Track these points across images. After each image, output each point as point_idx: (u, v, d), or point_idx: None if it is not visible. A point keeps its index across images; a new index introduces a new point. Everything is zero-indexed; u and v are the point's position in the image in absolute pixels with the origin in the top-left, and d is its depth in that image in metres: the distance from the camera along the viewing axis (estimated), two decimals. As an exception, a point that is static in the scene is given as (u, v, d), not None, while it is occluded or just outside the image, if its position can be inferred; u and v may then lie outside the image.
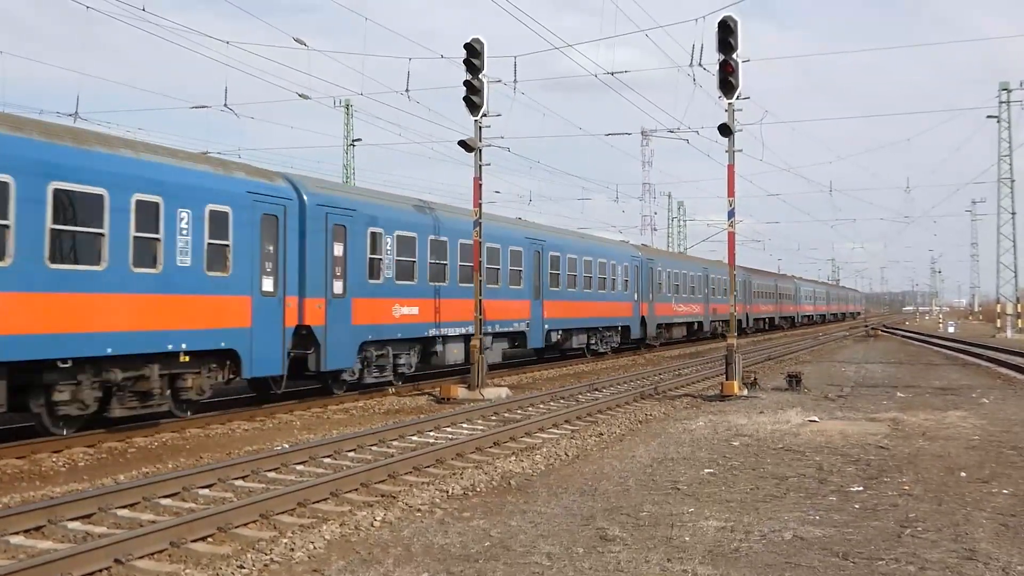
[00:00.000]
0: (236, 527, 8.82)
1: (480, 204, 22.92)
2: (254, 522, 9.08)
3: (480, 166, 22.78)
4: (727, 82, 20.69)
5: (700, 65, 23.13)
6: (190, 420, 16.18)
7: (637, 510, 9.51)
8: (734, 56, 20.51)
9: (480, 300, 22.76)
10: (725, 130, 21.16)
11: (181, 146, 16.55)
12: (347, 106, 59.06)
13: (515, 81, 24.58)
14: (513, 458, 12.74)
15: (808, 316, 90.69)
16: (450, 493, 10.39)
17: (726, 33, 20.40)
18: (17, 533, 8.58)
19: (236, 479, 11.29)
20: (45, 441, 13.62)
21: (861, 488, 10.60)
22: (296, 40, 25.27)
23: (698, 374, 27.60)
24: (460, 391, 21.08)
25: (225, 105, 28.43)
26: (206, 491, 10.70)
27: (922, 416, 17.08)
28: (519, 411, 18.45)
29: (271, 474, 11.71)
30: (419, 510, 9.57)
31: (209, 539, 8.50)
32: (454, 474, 11.54)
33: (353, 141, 60.56)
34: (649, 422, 16.75)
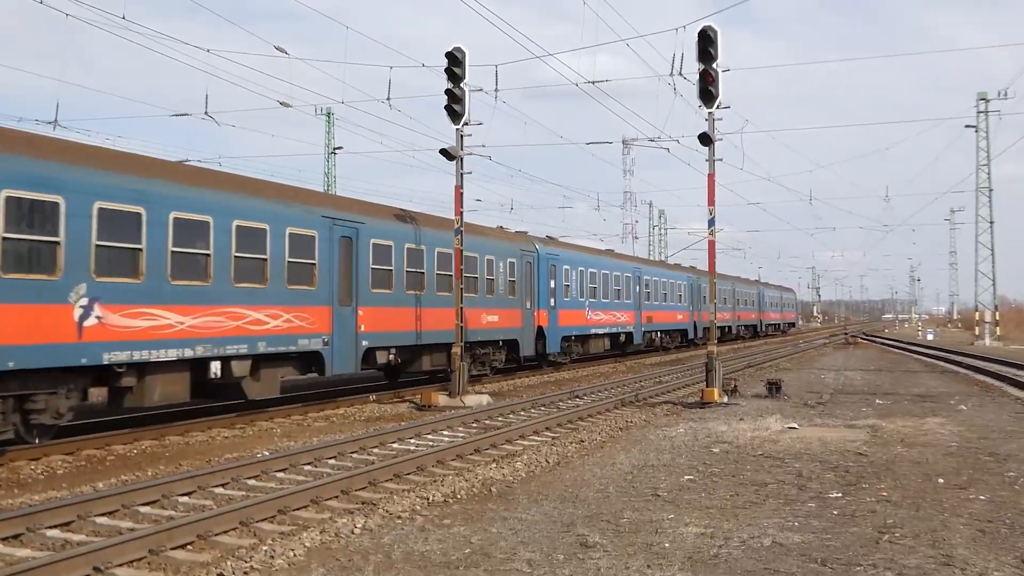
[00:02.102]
0: (216, 534, 8.78)
1: (461, 212, 22.94)
2: (234, 529, 9.05)
3: (461, 174, 22.81)
4: (707, 92, 20.78)
5: (681, 75, 23.31)
6: (169, 427, 16.17)
7: (617, 517, 9.54)
8: (714, 66, 20.60)
9: (461, 309, 22.77)
10: (705, 139, 21.26)
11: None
12: (328, 114, 59.06)
13: (496, 90, 24.66)
14: (494, 465, 12.75)
15: (622, 333, 40.04)
16: (431, 500, 10.40)
17: (706, 43, 20.49)
18: (-5, 541, 8.53)
19: (216, 486, 11.25)
20: (23, 449, 13.53)
21: (840, 494, 10.67)
22: (277, 48, 25.25)
23: (679, 381, 27.67)
24: (441, 398, 21.07)
25: (206, 113, 28.40)
26: (186, 499, 10.66)
27: (900, 423, 17.20)
28: (500, 418, 18.45)
29: (251, 481, 11.67)
30: (400, 517, 9.57)
31: (189, 547, 8.46)
32: (435, 481, 11.55)
33: (334, 149, 60.54)
34: (630, 429, 16.79)
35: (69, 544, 8.57)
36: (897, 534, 8.76)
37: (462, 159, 22.71)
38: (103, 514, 9.69)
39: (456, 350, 22.25)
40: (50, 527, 9.06)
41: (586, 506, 10.09)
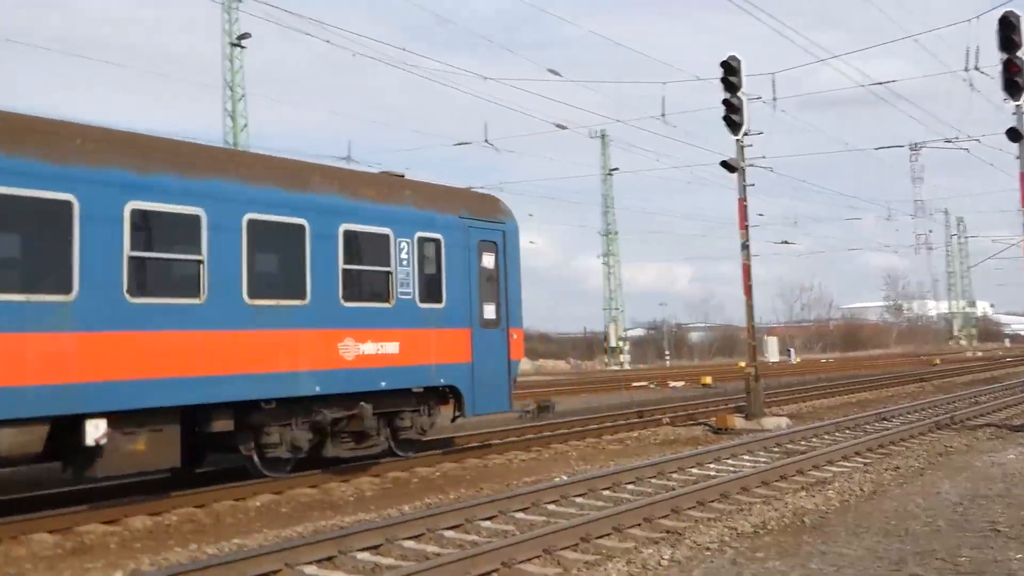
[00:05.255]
0: (519, 563, 8.59)
1: (747, 226, 22.06)
2: (538, 557, 8.84)
3: (744, 187, 21.98)
4: (1012, 83, 18.96)
5: (976, 68, 21.43)
6: (469, 451, 16.48)
7: (954, 555, 8.52)
8: (1019, 54, 18.79)
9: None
10: (1014, 135, 19.31)
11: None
12: (602, 136, 59.85)
13: (774, 99, 23.69)
14: (803, 493, 11.90)
15: None
16: (739, 531, 9.75)
17: (1008, 30, 18.79)
18: (310, 563, 8.76)
19: (516, 511, 11.13)
20: (337, 472, 14.14)
21: None
22: (550, 71, 25.52)
23: (998, 402, 25.23)
24: (737, 421, 20.29)
25: (486, 140, 29.16)
26: (488, 523, 10.60)
27: None
28: (803, 442, 17.38)
29: (551, 506, 11.49)
30: (708, 548, 9.02)
31: (493, 574, 8.33)
32: (741, 510, 10.87)
33: (611, 171, 61.20)
34: (950, 454, 15.33)
35: (378, 567, 8.68)
36: None
37: (744, 170, 21.89)
38: (409, 538, 9.79)
39: (750, 370, 21.39)
40: (360, 550, 9.23)
41: (915, 541, 9.11)
